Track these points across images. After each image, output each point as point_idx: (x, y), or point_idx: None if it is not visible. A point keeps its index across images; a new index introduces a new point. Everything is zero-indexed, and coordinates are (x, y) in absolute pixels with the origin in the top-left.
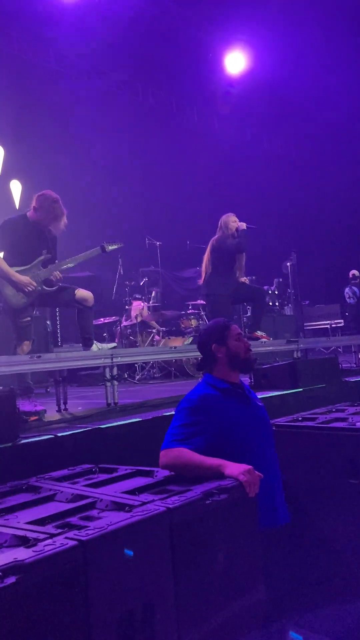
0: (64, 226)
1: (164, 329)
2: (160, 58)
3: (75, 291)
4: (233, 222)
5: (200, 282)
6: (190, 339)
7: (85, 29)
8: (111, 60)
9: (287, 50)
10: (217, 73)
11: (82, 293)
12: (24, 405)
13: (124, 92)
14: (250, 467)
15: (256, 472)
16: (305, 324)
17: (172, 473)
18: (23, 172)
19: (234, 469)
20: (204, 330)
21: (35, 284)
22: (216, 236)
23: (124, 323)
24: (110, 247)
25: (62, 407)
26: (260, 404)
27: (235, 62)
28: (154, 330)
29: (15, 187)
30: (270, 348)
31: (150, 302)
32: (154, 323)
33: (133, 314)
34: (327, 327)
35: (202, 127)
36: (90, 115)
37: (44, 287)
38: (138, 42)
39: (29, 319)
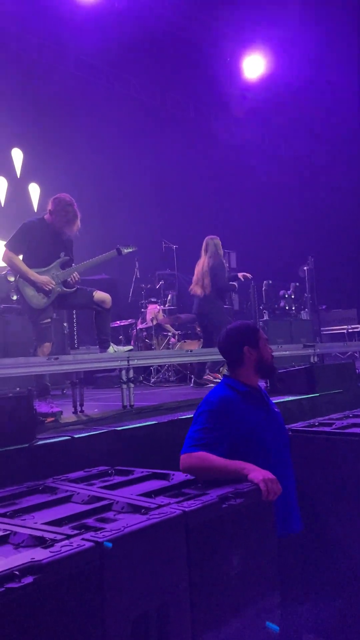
0: (77, 229)
1: (179, 332)
2: (179, 62)
3: (94, 293)
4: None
5: (194, 292)
6: None
7: (104, 33)
8: (130, 64)
9: (305, 55)
10: (235, 77)
11: (100, 295)
12: (41, 407)
13: (142, 96)
14: (273, 477)
15: (277, 484)
16: (321, 328)
17: (190, 477)
18: (41, 175)
19: (258, 474)
20: (233, 331)
21: (54, 283)
22: (213, 262)
23: (140, 326)
24: (126, 250)
25: (79, 408)
26: (277, 409)
27: (254, 66)
28: (169, 334)
29: (34, 190)
30: (287, 353)
31: (166, 306)
32: (169, 326)
33: (149, 317)
34: (344, 332)
35: (220, 131)
36: (108, 119)
37: (63, 288)
38: (156, 45)
39: (49, 320)
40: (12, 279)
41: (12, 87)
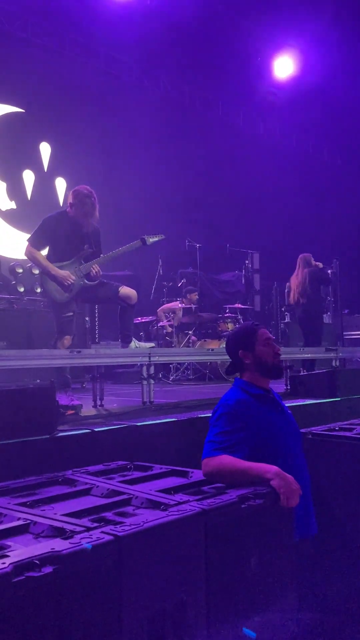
0: (96, 221)
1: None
2: (208, 61)
3: (120, 288)
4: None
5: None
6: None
7: (135, 29)
8: (159, 60)
9: (336, 56)
10: (265, 77)
11: (126, 290)
12: (61, 399)
13: (171, 94)
14: (296, 485)
15: (297, 492)
16: (344, 332)
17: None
18: (68, 169)
19: (279, 482)
20: (231, 335)
21: (73, 277)
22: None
23: (161, 323)
24: (152, 240)
25: (98, 402)
26: (289, 411)
27: (284, 66)
28: (190, 332)
29: (60, 185)
30: (309, 355)
31: (188, 304)
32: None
33: (167, 309)
34: None
35: (247, 131)
36: (136, 116)
37: (86, 281)
38: (186, 43)
39: (71, 314)
40: (36, 272)
41: (42, 82)
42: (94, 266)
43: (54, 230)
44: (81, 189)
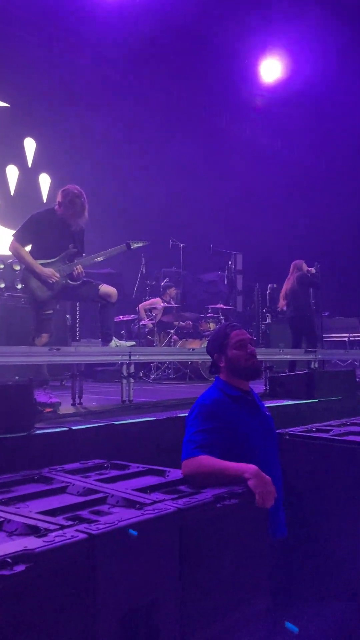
0: (84, 222)
1: (185, 323)
2: (195, 62)
3: (100, 286)
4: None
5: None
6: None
7: (123, 27)
8: (147, 59)
9: (322, 60)
10: (252, 79)
11: (106, 289)
12: (39, 397)
13: (157, 92)
14: (272, 488)
15: (273, 494)
16: (323, 335)
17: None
18: (52, 166)
19: (256, 482)
20: (209, 338)
21: (58, 276)
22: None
23: (142, 322)
24: (136, 245)
25: (77, 401)
26: (268, 413)
27: (271, 69)
28: (171, 331)
29: (44, 181)
30: (288, 357)
31: (170, 303)
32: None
33: (148, 305)
34: (344, 340)
35: (233, 132)
36: (121, 114)
37: (69, 280)
38: (174, 43)
39: (51, 311)
40: (17, 267)
41: (28, 77)
42: (77, 266)
43: (40, 227)
44: (71, 188)
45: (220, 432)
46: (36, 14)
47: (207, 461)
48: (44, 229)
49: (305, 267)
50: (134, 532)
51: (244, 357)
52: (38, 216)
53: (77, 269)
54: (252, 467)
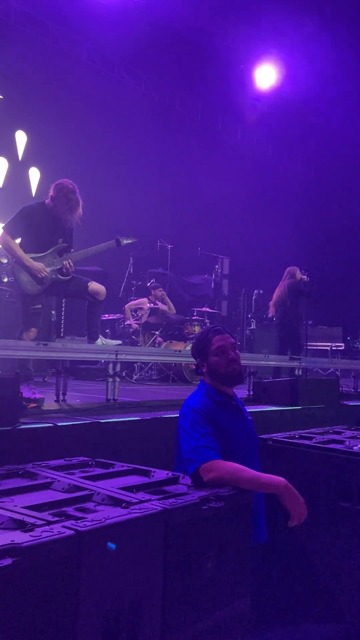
0: (78, 217)
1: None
2: (190, 65)
3: (89, 283)
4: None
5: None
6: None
7: (121, 27)
8: (142, 60)
9: (317, 68)
10: (246, 86)
11: (95, 286)
12: (24, 392)
13: (152, 93)
14: (303, 503)
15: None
16: (307, 343)
17: (171, 475)
18: (43, 160)
19: (291, 499)
20: (193, 341)
21: (48, 271)
22: (290, 281)
23: (127, 322)
24: (125, 241)
25: (61, 397)
26: (249, 417)
27: (266, 76)
28: (156, 332)
29: (34, 174)
30: (273, 363)
31: (157, 304)
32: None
33: (134, 305)
34: (327, 349)
35: (226, 137)
36: (116, 111)
37: (59, 275)
38: (171, 45)
39: (40, 306)
40: (5, 260)
41: (23, 70)
42: (67, 261)
43: (31, 220)
44: (65, 183)
45: (215, 435)
46: (33, 6)
47: (234, 468)
48: (35, 222)
49: (299, 274)
50: (112, 546)
51: (224, 364)
52: (29, 209)
53: (67, 264)
54: (282, 481)
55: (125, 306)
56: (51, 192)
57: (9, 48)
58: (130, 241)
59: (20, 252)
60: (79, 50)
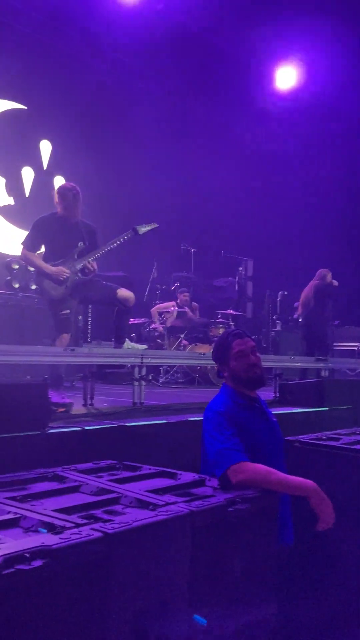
0: (79, 213)
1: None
2: (210, 68)
3: (117, 290)
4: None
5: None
6: None
7: (141, 32)
8: (164, 65)
9: (339, 67)
10: (266, 87)
11: (124, 293)
12: (53, 397)
13: (173, 98)
14: (331, 506)
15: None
16: (334, 344)
17: (197, 477)
18: (67, 168)
19: (319, 502)
20: (213, 347)
21: (68, 271)
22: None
23: (153, 325)
24: (144, 229)
25: (89, 402)
26: (275, 419)
27: (286, 77)
28: (181, 336)
29: (59, 183)
30: (298, 364)
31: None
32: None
33: (162, 308)
34: (354, 349)
35: (247, 139)
36: (136, 118)
37: (80, 275)
38: (192, 49)
39: (68, 311)
40: (32, 268)
41: (45, 79)
42: (88, 260)
43: (45, 230)
44: (62, 185)
45: (239, 437)
46: (53, 16)
47: (263, 470)
48: (49, 232)
49: (329, 278)
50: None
51: (244, 368)
52: (41, 220)
53: (87, 263)
54: (311, 484)
55: (153, 309)
56: (55, 199)
57: (30, 58)
58: (149, 228)
59: (38, 261)
60: (100, 58)
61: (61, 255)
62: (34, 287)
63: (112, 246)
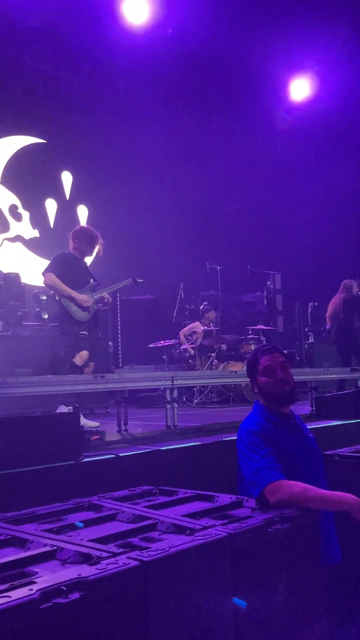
0: (99, 251)
1: (224, 346)
2: (224, 85)
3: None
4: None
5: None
6: None
7: (153, 58)
8: (177, 88)
9: (354, 78)
10: (282, 100)
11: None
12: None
13: (189, 120)
14: None
15: None
16: None
17: (235, 499)
18: (89, 197)
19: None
20: (245, 363)
21: (90, 301)
22: (345, 295)
23: (183, 346)
24: (139, 280)
25: (123, 427)
26: (311, 435)
27: (300, 89)
28: (212, 355)
29: (82, 212)
30: (333, 376)
31: (210, 326)
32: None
33: (188, 330)
34: None
35: (265, 153)
36: (154, 142)
37: (98, 305)
38: (203, 69)
39: (86, 332)
40: (44, 297)
41: (63, 112)
42: (104, 294)
43: (68, 264)
44: (80, 227)
45: (275, 455)
46: (67, 51)
47: (301, 488)
48: (71, 266)
49: (355, 288)
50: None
51: (272, 385)
52: (64, 255)
53: (105, 296)
54: (352, 498)
55: (180, 333)
56: (71, 241)
57: (47, 93)
58: (142, 280)
59: (66, 287)
60: (114, 86)
61: (78, 287)
62: (46, 316)
63: (117, 288)
